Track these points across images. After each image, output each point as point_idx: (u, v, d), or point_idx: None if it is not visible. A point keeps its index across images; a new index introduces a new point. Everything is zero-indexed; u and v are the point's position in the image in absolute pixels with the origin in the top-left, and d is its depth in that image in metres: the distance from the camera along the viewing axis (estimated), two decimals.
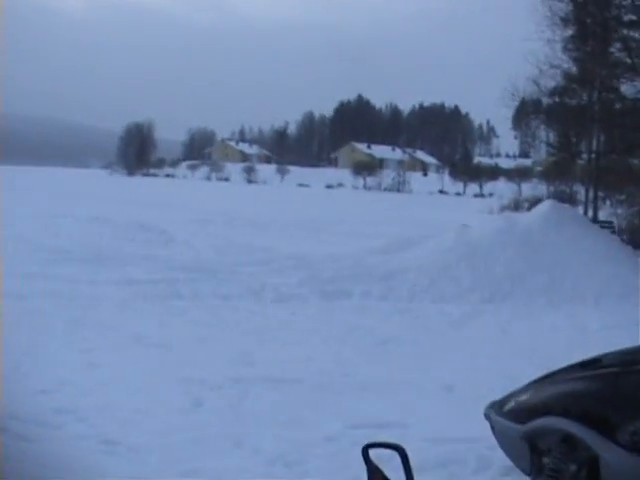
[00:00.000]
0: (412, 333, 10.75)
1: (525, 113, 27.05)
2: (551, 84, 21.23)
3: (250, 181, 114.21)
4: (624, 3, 20.85)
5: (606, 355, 5.45)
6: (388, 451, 2.13)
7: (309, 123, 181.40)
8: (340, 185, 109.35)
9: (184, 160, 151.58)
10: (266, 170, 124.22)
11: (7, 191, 54.52)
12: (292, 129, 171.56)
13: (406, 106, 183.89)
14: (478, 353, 9.44)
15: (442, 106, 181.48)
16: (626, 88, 21.40)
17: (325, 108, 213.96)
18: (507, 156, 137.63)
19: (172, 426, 6.25)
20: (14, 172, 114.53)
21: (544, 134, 27.60)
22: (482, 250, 15.12)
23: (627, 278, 14.14)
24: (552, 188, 28.28)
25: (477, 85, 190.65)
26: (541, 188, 28.79)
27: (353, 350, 9.47)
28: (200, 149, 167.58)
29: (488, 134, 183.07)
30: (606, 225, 20.16)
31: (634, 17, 20.71)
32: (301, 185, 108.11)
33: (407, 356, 9.25)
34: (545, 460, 4.88)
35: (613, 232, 19.84)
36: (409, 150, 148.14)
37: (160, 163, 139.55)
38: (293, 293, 14.26)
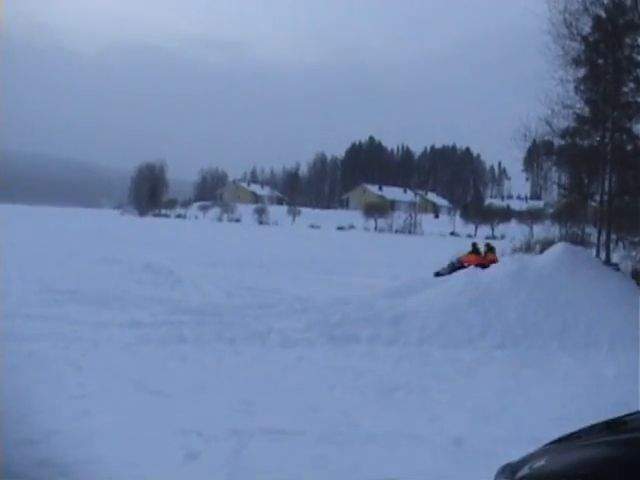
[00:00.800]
0: (421, 380, 10.39)
1: (537, 154, 26.82)
2: (563, 124, 20.97)
3: (261, 222, 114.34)
4: (637, 43, 20.66)
5: (633, 415, 4.98)
6: None
7: (321, 164, 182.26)
8: (351, 227, 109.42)
9: (196, 201, 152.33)
10: (277, 211, 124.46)
11: (17, 230, 54.72)
12: (304, 170, 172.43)
13: (418, 148, 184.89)
14: (489, 402, 9.08)
15: (454, 148, 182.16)
16: (638, 129, 21.17)
17: (337, 149, 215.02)
18: (519, 198, 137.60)
19: None
20: (25, 211, 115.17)
21: (556, 175, 27.34)
22: (493, 294, 14.80)
23: None
24: (564, 230, 27.94)
25: (489, 126, 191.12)
26: (553, 230, 28.39)
27: (359, 399, 9.12)
28: (212, 190, 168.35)
29: (500, 176, 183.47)
30: (614, 268, 19.86)
31: None
32: (312, 226, 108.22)
33: (415, 405, 8.89)
34: None
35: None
36: (420, 192, 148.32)
37: (171, 203, 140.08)
38: (300, 337, 13.95)
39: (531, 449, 4.52)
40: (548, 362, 11.94)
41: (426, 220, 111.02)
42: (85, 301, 17.94)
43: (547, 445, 5.03)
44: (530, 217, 55.25)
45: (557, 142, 22.96)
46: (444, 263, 28.73)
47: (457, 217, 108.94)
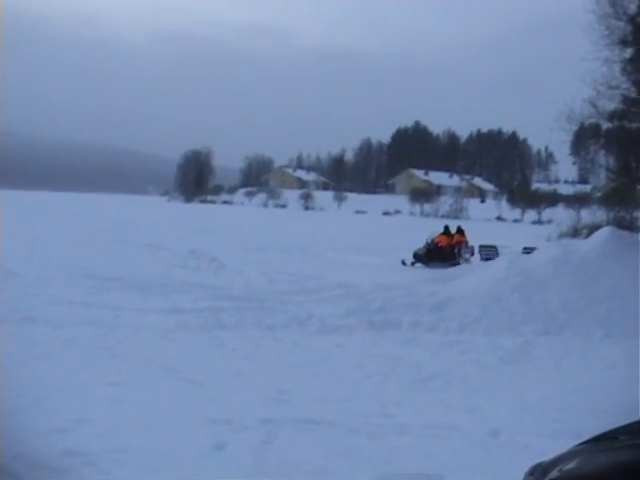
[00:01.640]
0: (460, 368, 10.19)
1: (584, 137, 26.35)
2: (609, 106, 20.54)
3: (307, 208, 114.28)
4: None
5: None
6: None
7: (366, 150, 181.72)
8: (397, 212, 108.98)
9: (242, 187, 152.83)
10: (323, 197, 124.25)
11: (65, 217, 55.37)
12: (349, 156, 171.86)
13: (463, 132, 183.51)
14: (529, 392, 8.84)
15: (500, 132, 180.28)
16: None
17: (382, 135, 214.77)
18: (566, 182, 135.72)
19: (185, 473, 5.80)
20: (74, 199, 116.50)
21: (603, 159, 26.86)
22: (536, 279, 14.51)
23: None
24: (611, 214, 27.45)
25: (535, 109, 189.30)
26: (600, 214, 27.97)
27: (396, 387, 8.95)
28: (257, 176, 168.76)
29: (546, 160, 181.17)
30: None
31: None
32: (358, 212, 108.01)
33: (453, 394, 8.68)
34: None
35: None
36: (467, 176, 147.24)
37: (218, 190, 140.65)
38: (340, 324, 13.82)
39: (571, 443, 4.25)
40: (592, 350, 11.64)
41: (472, 205, 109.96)
42: (129, 288, 18.01)
43: (579, 445, 4.80)
44: (577, 201, 54.41)
45: (605, 125, 22.52)
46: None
47: (503, 202, 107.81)
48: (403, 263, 28.77)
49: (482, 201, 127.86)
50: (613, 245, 15.53)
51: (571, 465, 4.60)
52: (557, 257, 15.32)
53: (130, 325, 13.06)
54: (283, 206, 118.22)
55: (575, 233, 27.77)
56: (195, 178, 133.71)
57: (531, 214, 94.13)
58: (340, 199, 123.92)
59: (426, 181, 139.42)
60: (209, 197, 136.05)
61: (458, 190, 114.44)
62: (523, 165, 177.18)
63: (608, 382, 9.54)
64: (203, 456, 6.18)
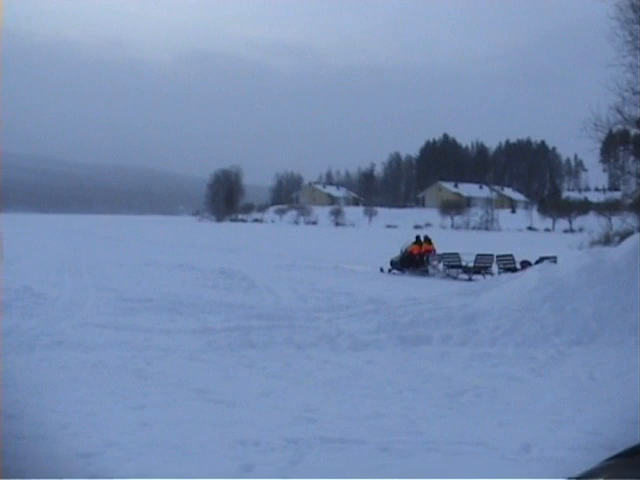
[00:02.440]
0: (491, 382, 10.04)
1: (612, 144, 26.12)
2: (635, 112, 20.31)
3: (338, 224, 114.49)
4: None
5: None
6: None
7: (396, 164, 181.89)
8: (428, 225, 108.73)
9: (272, 205, 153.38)
10: (354, 212, 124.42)
11: (97, 240, 55.75)
12: (379, 170, 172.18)
13: (492, 143, 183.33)
14: (562, 404, 8.68)
15: (528, 142, 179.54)
16: None
17: (411, 148, 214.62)
18: (597, 189, 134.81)
19: None
20: (106, 220, 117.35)
21: (633, 165, 26.57)
22: (568, 289, 14.32)
23: None
24: None
25: (563, 119, 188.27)
26: (631, 221, 27.64)
27: (426, 403, 8.83)
28: (288, 193, 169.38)
29: (576, 168, 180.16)
30: None
31: None
32: (389, 226, 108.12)
33: (484, 409, 8.55)
34: None
35: None
36: (496, 187, 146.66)
37: (248, 208, 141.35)
38: (370, 339, 13.74)
39: (605, 456, 4.14)
40: (626, 360, 11.42)
41: (503, 216, 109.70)
42: (158, 309, 18.04)
43: (611, 459, 4.67)
44: (608, 209, 53.88)
45: (633, 131, 22.30)
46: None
47: (534, 211, 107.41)
48: (381, 270, 31.58)
49: (513, 211, 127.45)
50: None
51: None
52: (588, 266, 15.11)
53: (159, 347, 13.06)
54: (314, 223, 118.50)
55: (607, 241, 27.49)
56: (225, 197, 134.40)
57: (562, 223, 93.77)
58: (370, 214, 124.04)
59: (456, 193, 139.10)
60: (240, 216, 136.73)
61: (488, 201, 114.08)
62: (553, 174, 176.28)
63: None
64: (230, 478, 6.12)
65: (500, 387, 9.70)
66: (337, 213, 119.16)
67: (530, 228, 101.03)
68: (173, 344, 13.45)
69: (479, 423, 7.82)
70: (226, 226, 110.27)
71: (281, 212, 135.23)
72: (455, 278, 29.38)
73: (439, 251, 32.75)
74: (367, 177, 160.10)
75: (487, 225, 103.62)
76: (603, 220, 39.62)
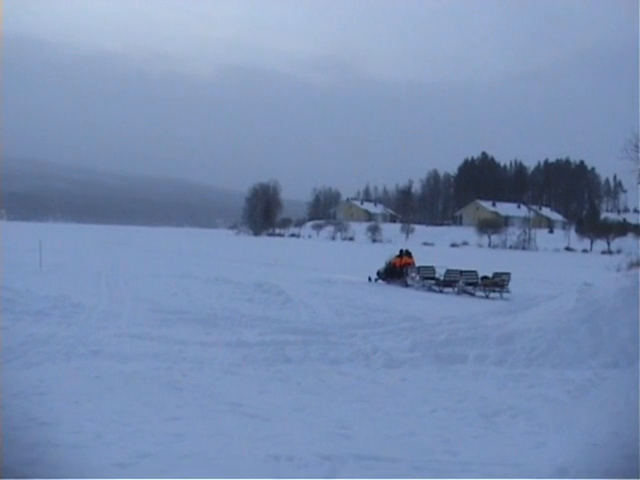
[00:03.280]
0: (527, 403, 9.93)
1: None
2: None
3: (375, 240, 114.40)
4: None
5: None
6: None
7: (433, 181, 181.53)
8: (465, 243, 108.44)
9: (309, 220, 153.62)
10: (391, 229, 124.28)
11: (134, 251, 56.13)
12: (417, 187, 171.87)
13: (531, 162, 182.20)
14: (598, 427, 8.55)
15: (567, 161, 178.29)
16: None
17: (449, 166, 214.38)
18: (635, 211, 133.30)
19: None
20: (144, 232, 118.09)
21: None
22: (605, 311, 14.13)
23: None
24: None
25: (602, 138, 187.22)
26: None
27: (461, 422, 8.75)
28: (325, 209, 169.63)
29: (615, 189, 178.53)
30: None
31: None
32: (426, 244, 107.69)
33: (519, 430, 8.44)
34: None
35: None
36: (534, 207, 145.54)
37: (286, 223, 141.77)
38: (405, 357, 13.67)
39: None
40: None
41: (540, 235, 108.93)
42: (194, 321, 18.10)
43: None
44: None
45: None
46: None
47: (572, 232, 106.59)
48: (369, 279, 35.28)
49: (550, 231, 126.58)
50: None
51: None
52: (626, 288, 14.91)
53: (194, 359, 13.09)
54: (351, 239, 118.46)
55: None
56: (263, 211, 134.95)
57: (600, 244, 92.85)
58: (407, 231, 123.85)
59: (493, 212, 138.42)
60: (277, 230, 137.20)
61: (526, 221, 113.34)
62: (591, 194, 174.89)
63: None
64: None
65: (536, 408, 9.58)
66: (374, 229, 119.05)
67: (568, 248, 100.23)
68: (208, 357, 13.48)
69: (514, 444, 7.73)
70: (263, 240, 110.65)
71: (318, 227, 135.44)
72: (429, 289, 32.43)
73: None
74: (405, 194, 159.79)
75: (524, 245, 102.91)
76: None
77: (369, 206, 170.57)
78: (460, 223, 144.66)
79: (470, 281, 31.31)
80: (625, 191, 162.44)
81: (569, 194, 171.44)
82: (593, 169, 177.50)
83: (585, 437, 8.05)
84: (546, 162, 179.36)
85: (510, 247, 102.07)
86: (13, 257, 37.19)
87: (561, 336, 13.71)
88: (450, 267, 33.07)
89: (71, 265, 36.55)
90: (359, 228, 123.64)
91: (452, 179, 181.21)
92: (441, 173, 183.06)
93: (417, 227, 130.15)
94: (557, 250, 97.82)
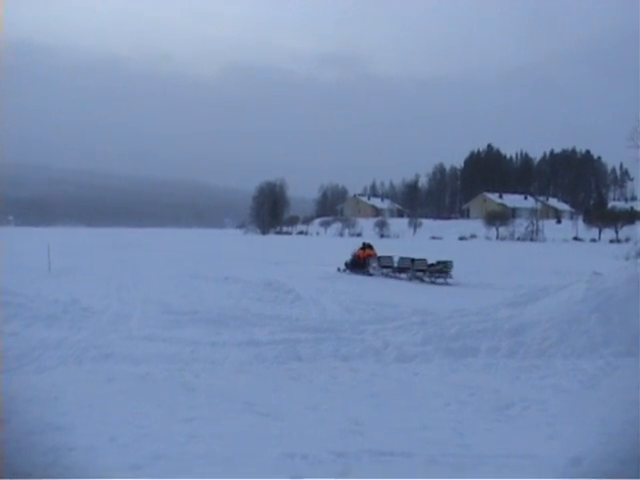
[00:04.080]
0: (540, 394, 9.90)
1: None
2: None
3: (382, 235, 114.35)
4: None
5: None
6: None
7: (440, 175, 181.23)
8: (473, 236, 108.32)
9: (317, 217, 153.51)
10: (398, 224, 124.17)
11: (142, 252, 56.18)
12: (423, 182, 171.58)
13: (537, 153, 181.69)
14: (612, 416, 8.52)
15: (573, 151, 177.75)
16: None
17: (455, 159, 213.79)
18: None
19: None
20: (152, 233, 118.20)
21: None
22: (615, 300, 14.12)
23: None
24: None
25: (608, 128, 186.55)
26: None
27: (474, 415, 8.74)
28: (332, 206, 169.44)
29: (622, 177, 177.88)
30: None
31: None
32: (434, 237, 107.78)
33: (532, 422, 8.42)
34: None
35: None
36: (541, 198, 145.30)
37: (293, 221, 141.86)
38: (416, 352, 13.69)
39: None
40: None
41: (548, 226, 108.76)
42: (205, 321, 18.15)
43: None
44: None
45: None
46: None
47: (580, 222, 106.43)
48: (338, 270, 39.02)
49: (558, 222, 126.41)
50: None
51: None
52: (636, 276, 14.90)
53: (206, 359, 13.14)
54: (359, 234, 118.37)
55: None
56: (270, 210, 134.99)
57: (608, 233, 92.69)
58: (415, 225, 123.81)
59: (501, 204, 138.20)
60: (285, 228, 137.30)
61: (533, 212, 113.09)
62: (598, 184, 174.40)
63: None
64: None
65: (549, 399, 9.56)
66: (382, 225, 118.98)
67: (576, 238, 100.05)
68: (220, 357, 13.52)
69: (528, 436, 7.71)
70: (271, 238, 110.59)
71: (326, 224, 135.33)
72: (387, 276, 36.39)
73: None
74: (411, 188, 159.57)
75: (532, 236, 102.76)
76: None
77: (376, 201, 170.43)
78: (467, 216, 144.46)
79: (420, 268, 34.75)
80: (632, 179, 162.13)
81: (576, 184, 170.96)
82: (599, 158, 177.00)
83: (599, 427, 8.03)
84: (552, 152, 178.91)
85: (518, 239, 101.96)
86: (22, 262, 37.29)
87: (572, 326, 13.71)
88: (403, 255, 37.43)
89: (80, 268, 36.62)
90: (367, 224, 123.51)
91: (458, 172, 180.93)
92: (447, 166, 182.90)
93: (425, 221, 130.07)
94: (565, 240, 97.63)
